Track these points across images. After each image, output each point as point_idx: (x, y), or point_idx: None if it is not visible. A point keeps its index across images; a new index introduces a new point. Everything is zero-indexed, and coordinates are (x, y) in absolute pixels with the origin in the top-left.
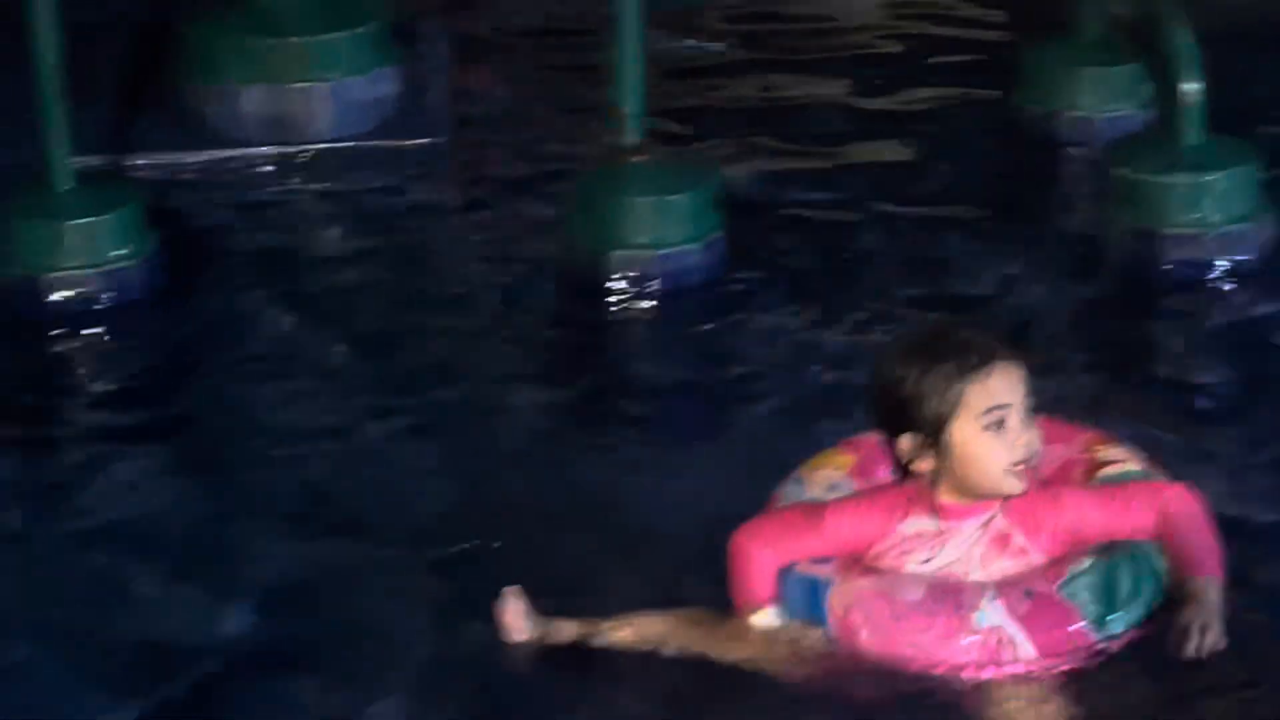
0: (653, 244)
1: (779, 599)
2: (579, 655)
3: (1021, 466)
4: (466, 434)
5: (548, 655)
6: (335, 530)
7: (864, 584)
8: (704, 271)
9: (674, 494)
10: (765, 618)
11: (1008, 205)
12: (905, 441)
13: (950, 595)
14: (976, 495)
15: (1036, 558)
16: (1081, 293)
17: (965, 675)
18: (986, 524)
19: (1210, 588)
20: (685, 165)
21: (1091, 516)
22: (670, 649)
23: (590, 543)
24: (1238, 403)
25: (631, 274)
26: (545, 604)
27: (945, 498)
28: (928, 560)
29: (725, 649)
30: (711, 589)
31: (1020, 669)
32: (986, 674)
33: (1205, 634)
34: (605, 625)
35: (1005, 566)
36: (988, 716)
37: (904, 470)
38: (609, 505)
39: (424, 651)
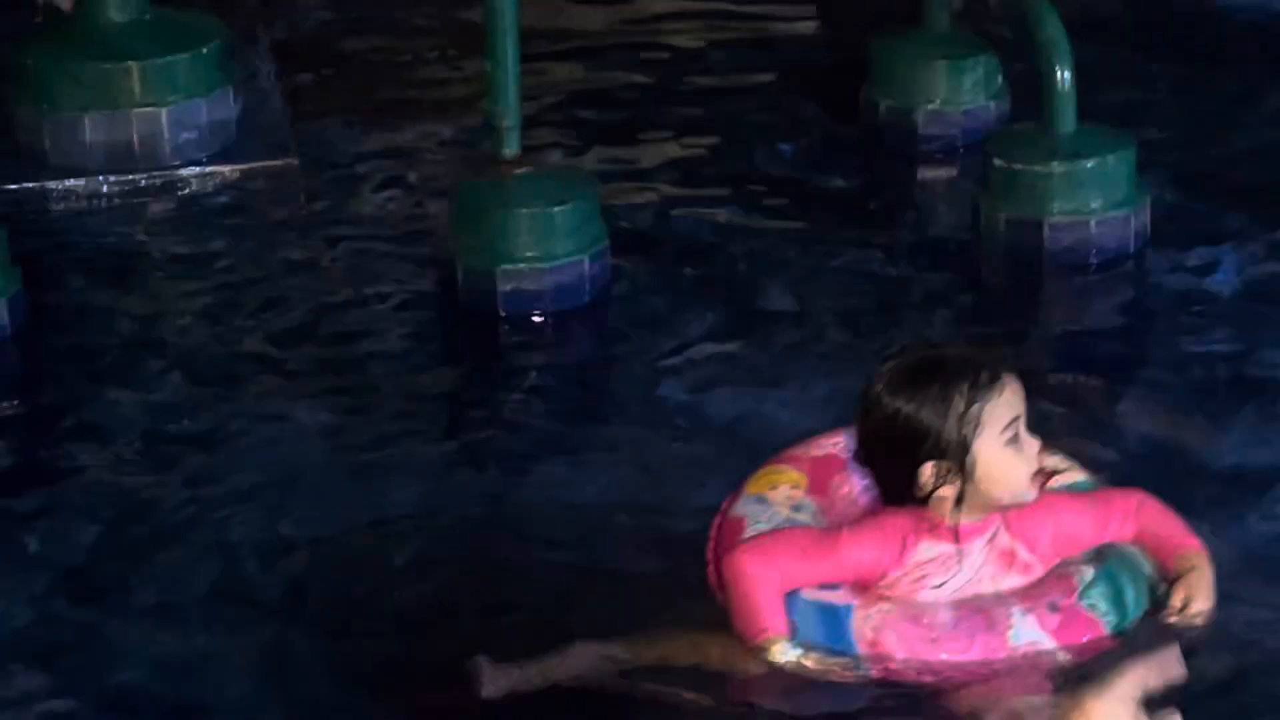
0: (542, 257)
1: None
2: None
3: (1034, 476)
4: (355, 461)
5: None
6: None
7: (889, 608)
8: (592, 283)
9: (574, 511)
10: (785, 650)
11: (876, 202)
12: (928, 470)
13: (980, 613)
14: (993, 510)
15: (1039, 569)
16: (964, 284)
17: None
18: (991, 540)
19: (1201, 557)
20: (567, 175)
21: (1083, 523)
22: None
23: (501, 565)
24: (1122, 386)
25: (521, 289)
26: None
27: (966, 518)
28: (942, 584)
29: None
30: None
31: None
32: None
33: (1195, 611)
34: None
35: (1013, 582)
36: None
37: (912, 498)
38: (509, 526)
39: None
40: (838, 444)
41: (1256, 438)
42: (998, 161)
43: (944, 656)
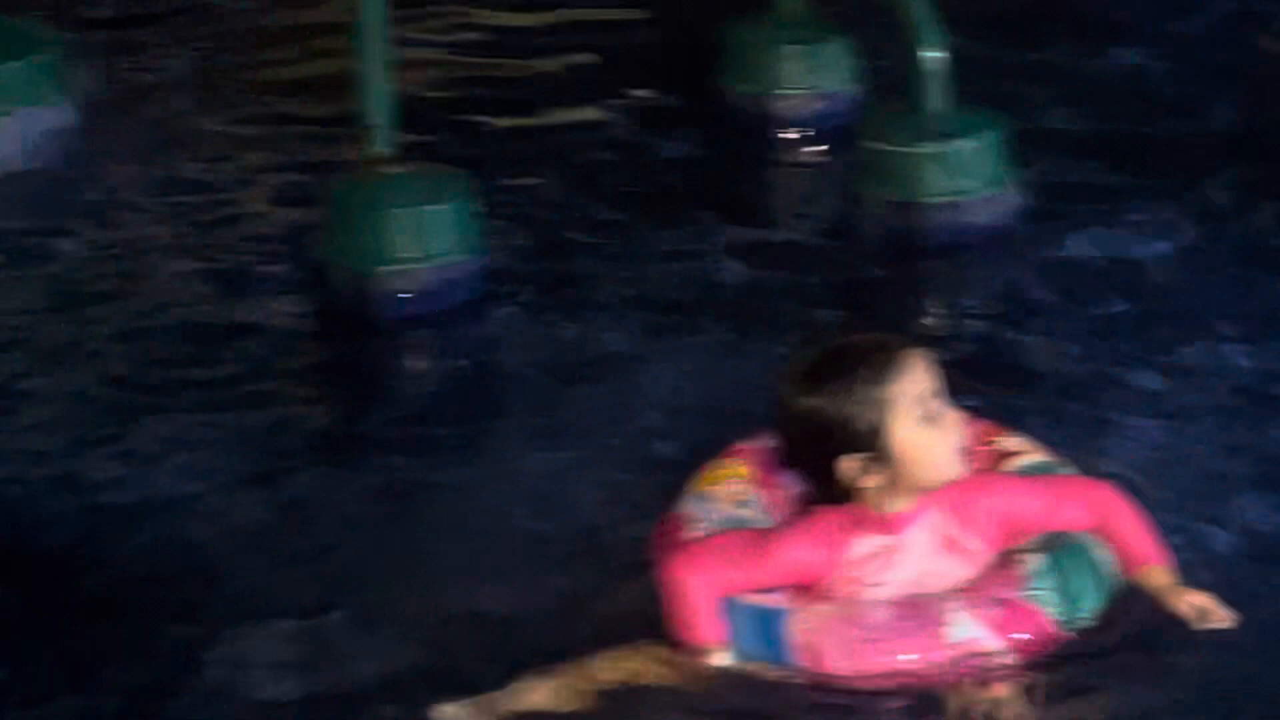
0: (425, 257)
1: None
2: None
3: (960, 450)
4: (237, 479)
5: None
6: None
7: (825, 610)
8: (473, 281)
9: (470, 520)
10: (720, 659)
11: (742, 191)
12: (848, 463)
13: (918, 611)
14: (921, 491)
15: (985, 555)
16: (844, 269)
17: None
18: (930, 528)
19: (1170, 573)
20: (440, 173)
21: (1029, 505)
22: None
23: (393, 587)
24: (1004, 363)
25: (401, 290)
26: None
27: (894, 507)
28: (885, 581)
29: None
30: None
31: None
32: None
33: (1217, 611)
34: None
35: (961, 571)
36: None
37: (840, 494)
38: (396, 540)
39: None
40: None
41: (1136, 405)
42: (873, 145)
43: (880, 657)
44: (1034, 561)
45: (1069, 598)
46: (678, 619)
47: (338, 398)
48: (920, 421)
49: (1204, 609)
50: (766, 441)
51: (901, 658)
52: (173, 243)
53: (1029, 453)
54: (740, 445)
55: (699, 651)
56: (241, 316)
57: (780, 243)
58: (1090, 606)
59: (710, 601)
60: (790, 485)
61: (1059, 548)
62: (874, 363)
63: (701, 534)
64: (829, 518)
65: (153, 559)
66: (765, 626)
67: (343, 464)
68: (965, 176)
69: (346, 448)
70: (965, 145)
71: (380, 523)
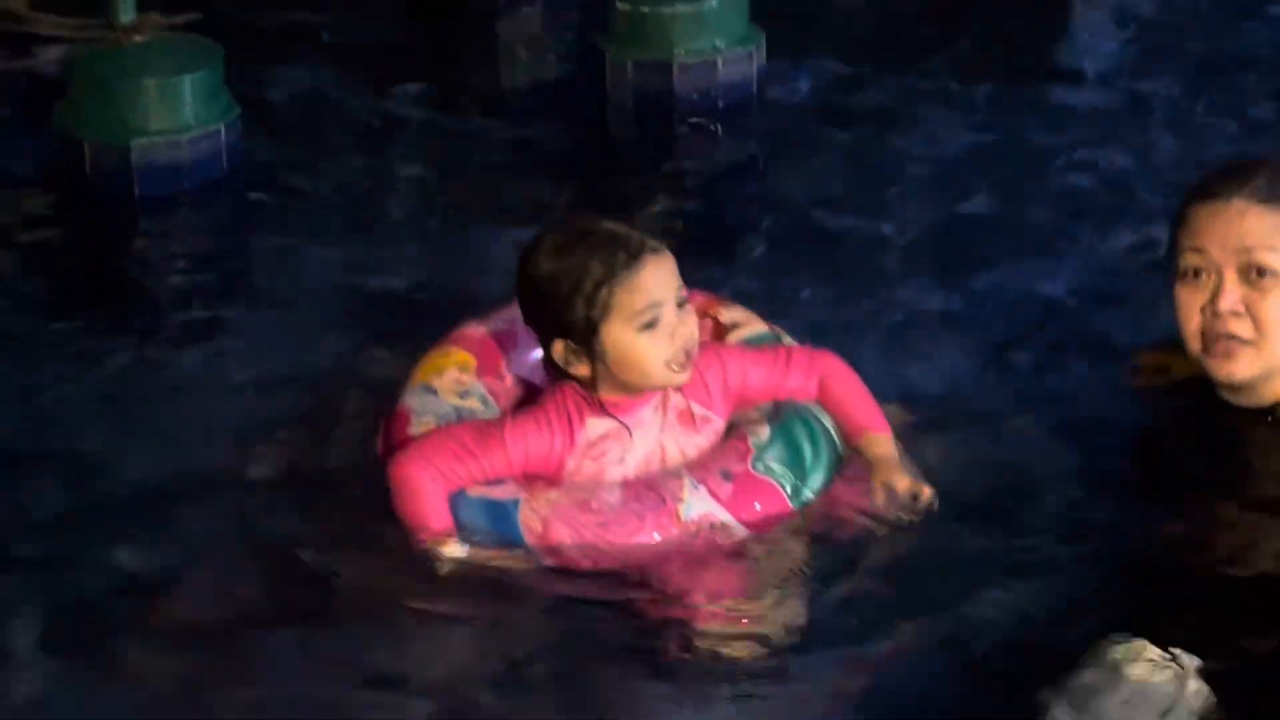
0: (178, 128)
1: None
2: None
3: (682, 359)
4: None
5: None
6: None
7: (557, 496)
8: (229, 154)
9: (230, 396)
10: (453, 549)
11: (470, 57)
12: (559, 347)
13: (650, 490)
14: (637, 392)
15: (719, 422)
16: (594, 133)
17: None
18: (662, 405)
19: (890, 443)
20: (188, 41)
21: (754, 373)
22: None
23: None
24: (746, 231)
25: (157, 163)
26: None
27: (608, 396)
28: (623, 459)
29: None
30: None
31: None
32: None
33: (917, 494)
34: None
35: (698, 442)
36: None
37: (561, 373)
38: (161, 422)
39: None
40: (511, 319)
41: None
42: (622, 5)
43: (616, 539)
44: (762, 433)
45: (797, 470)
46: (406, 516)
47: (87, 274)
48: (640, 328)
49: (912, 489)
50: (490, 324)
51: (636, 538)
52: None
53: (749, 324)
54: (461, 330)
55: (427, 544)
56: None
57: (519, 110)
58: (818, 480)
59: (440, 496)
60: (511, 373)
61: (785, 418)
62: (613, 260)
63: (426, 429)
64: (560, 400)
65: None
66: (500, 518)
67: (88, 342)
68: (714, 35)
69: (90, 325)
70: (715, 3)
71: (120, 396)
